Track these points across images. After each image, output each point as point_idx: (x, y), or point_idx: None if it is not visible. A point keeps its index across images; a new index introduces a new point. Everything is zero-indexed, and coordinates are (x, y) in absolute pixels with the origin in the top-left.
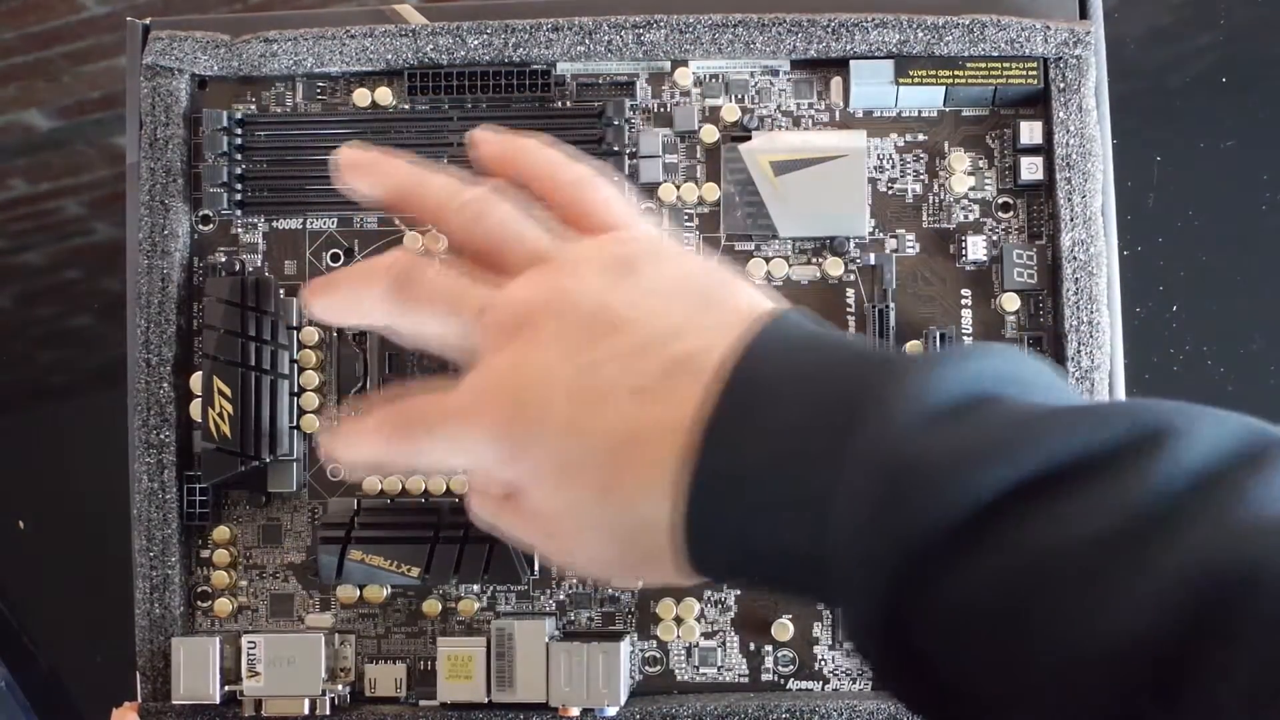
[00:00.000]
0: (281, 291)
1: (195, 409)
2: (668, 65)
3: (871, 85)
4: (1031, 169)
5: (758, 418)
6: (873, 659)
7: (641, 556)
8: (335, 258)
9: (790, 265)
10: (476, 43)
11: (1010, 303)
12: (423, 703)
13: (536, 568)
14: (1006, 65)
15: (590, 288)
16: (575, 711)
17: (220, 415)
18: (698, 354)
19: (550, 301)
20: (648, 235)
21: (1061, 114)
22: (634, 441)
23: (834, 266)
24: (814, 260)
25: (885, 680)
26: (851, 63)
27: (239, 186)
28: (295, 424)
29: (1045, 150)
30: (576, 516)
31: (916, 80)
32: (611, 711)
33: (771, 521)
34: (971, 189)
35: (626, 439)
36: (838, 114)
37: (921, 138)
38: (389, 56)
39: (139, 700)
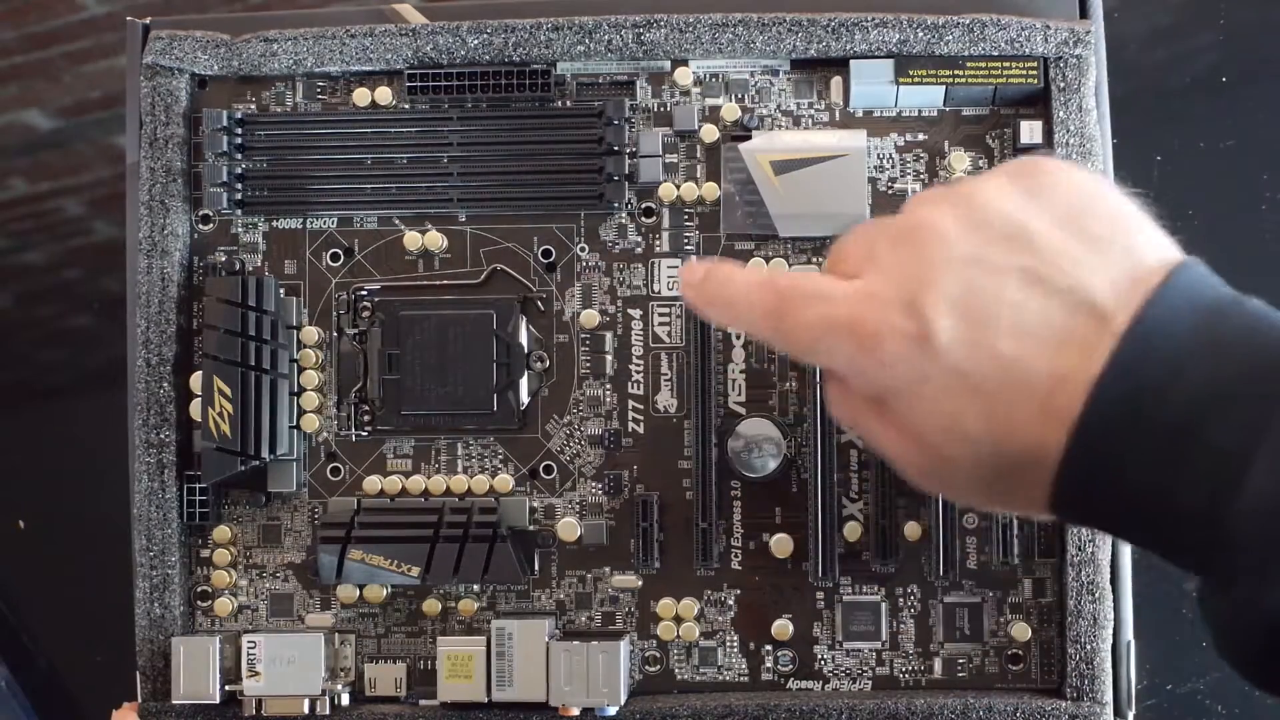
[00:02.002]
0: (281, 291)
1: (195, 409)
2: (668, 65)
3: (871, 85)
4: None
5: (1166, 372)
6: (1253, 639)
7: (1006, 483)
8: (335, 257)
9: (790, 265)
10: (476, 43)
11: None
12: (423, 702)
13: (536, 567)
14: (1006, 65)
15: (999, 197)
16: (575, 711)
17: (220, 415)
18: (1103, 297)
19: (955, 205)
20: (1052, 161)
21: (1061, 114)
22: (1028, 371)
23: None
24: (814, 260)
25: (1259, 665)
26: (851, 62)
27: (239, 186)
28: (295, 424)
29: (1045, 150)
30: (953, 433)
31: (916, 80)
32: (611, 711)
33: (1166, 476)
34: None
35: (1021, 367)
36: (838, 113)
37: (921, 137)
38: (389, 56)
39: (139, 700)
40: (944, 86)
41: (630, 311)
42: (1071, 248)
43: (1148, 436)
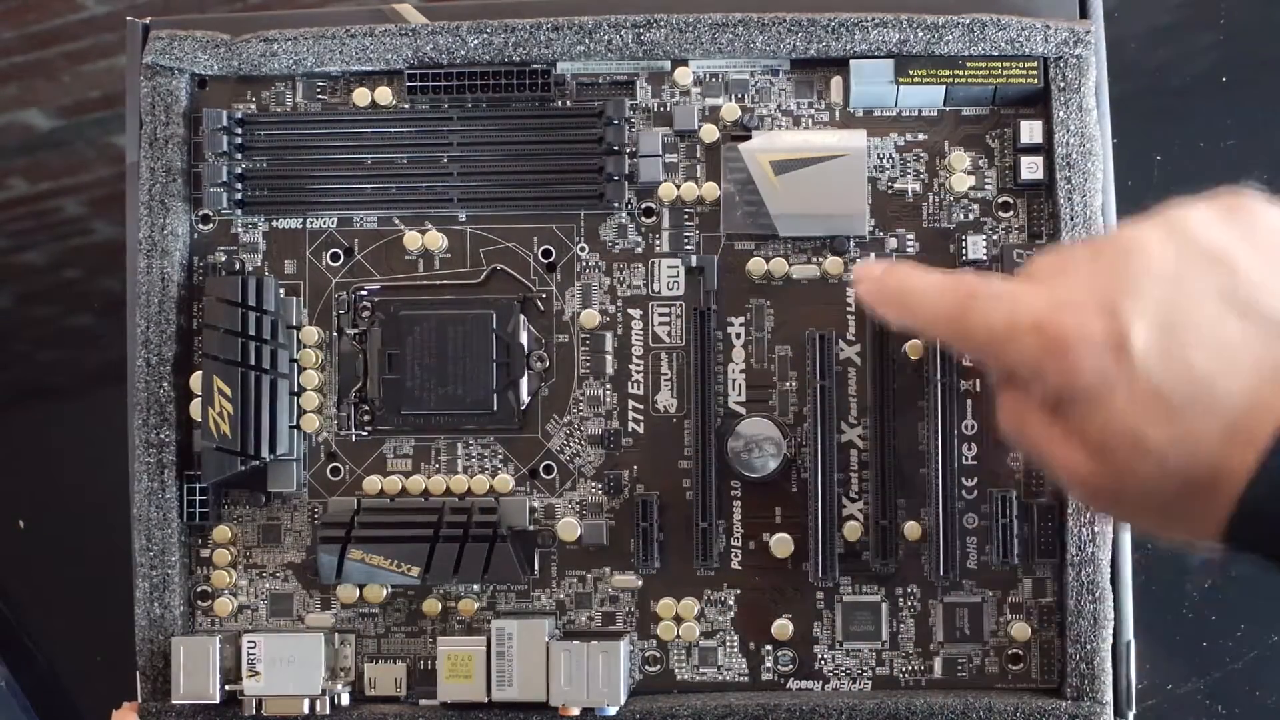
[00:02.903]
0: (281, 291)
1: (195, 408)
2: (668, 65)
3: (871, 85)
4: (1032, 168)
5: None
6: None
7: (1181, 504)
8: (335, 257)
9: (790, 264)
10: (476, 42)
11: None
12: (423, 702)
13: (536, 567)
14: (1006, 64)
15: (1203, 222)
16: (575, 711)
17: (220, 415)
18: None
19: (1157, 224)
20: (1258, 198)
21: (1061, 113)
22: (1220, 389)
23: (834, 266)
24: (814, 259)
25: None
26: (851, 62)
27: (239, 186)
28: (295, 424)
29: (1045, 150)
30: (1135, 445)
31: (916, 79)
32: (611, 711)
33: None
34: (971, 188)
35: (1214, 384)
36: (838, 113)
37: (921, 137)
38: (389, 56)
39: (139, 700)
40: (944, 86)
41: (630, 311)
42: (1274, 279)
43: None
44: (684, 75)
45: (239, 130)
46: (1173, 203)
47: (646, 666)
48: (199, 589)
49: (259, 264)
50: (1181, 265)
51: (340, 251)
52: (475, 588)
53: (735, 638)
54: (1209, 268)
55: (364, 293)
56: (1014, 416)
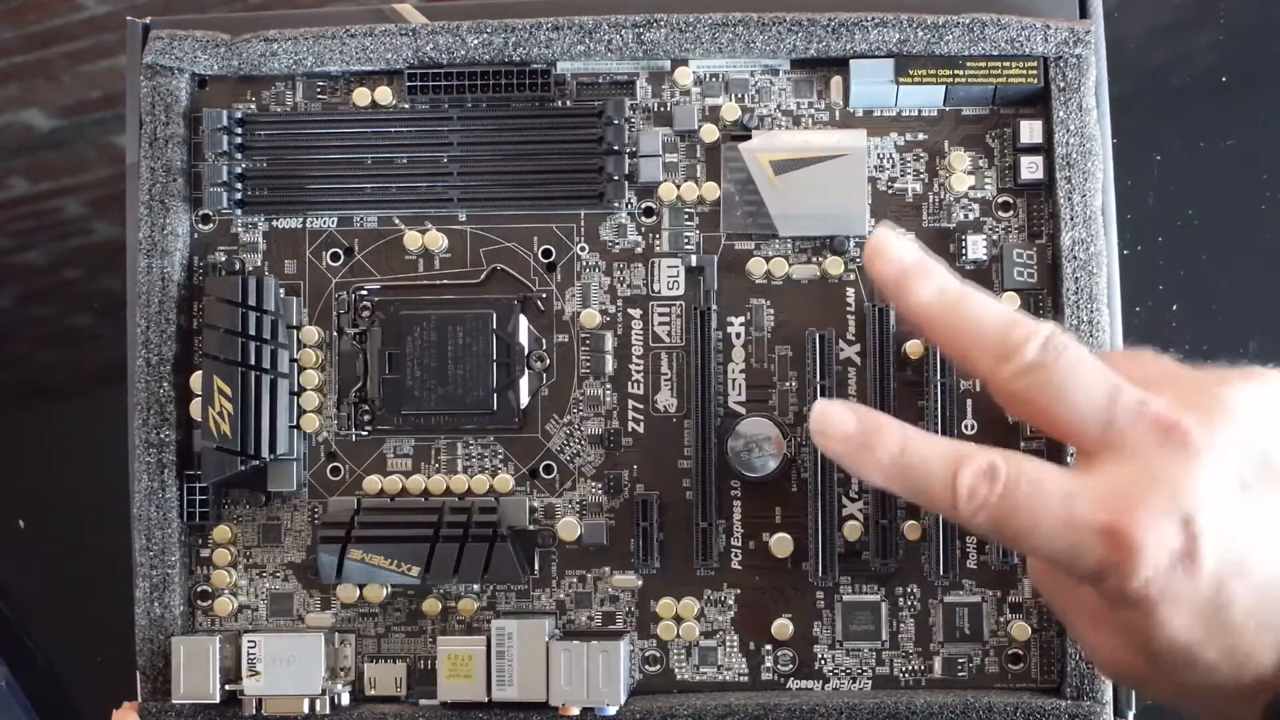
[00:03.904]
0: (281, 291)
1: (195, 408)
2: (668, 64)
3: (871, 84)
4: (1031, 168)
5: None
6: None
7: (1222, 704)
8: (335, 257)
9: (790, 265)
10: (476, 42)
11: (1010, 302)
12: (423, 702)
13: (536, 567)
14: (1006, 64)
15: (1264, 417)
16: (575, 711)
17: (220, 414)
18: None
19: (1223, 416)
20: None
21: (1061, 113)
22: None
23: (834, 266)
24: (814, 259)
25: None
26: (851, 62)
27: (239, 186)
28: (295, 423)
29: (1045, 149)
30: (1188, 658)
31: (916, 79)
32: (611, 711)
33: None
34: (971, 188)
35: (1269, 608)
36: (838, 113)
37: (921, 137)
38: (389, 56)
39: (139, 700)
40: (944, 86)
41: (630, 311)
42: None
43: None
44: (684, 75)
45: (239, 130)
46: (1223, 382)
47: (646, 666)
48: (199, 589)
49: (259, 264)
50: (1250, 473)
51: (340, 251)
52: (475, 588)
53: (735, 637)
54: (1257, 484)
55: (364, 293)
56: (1048, 582)
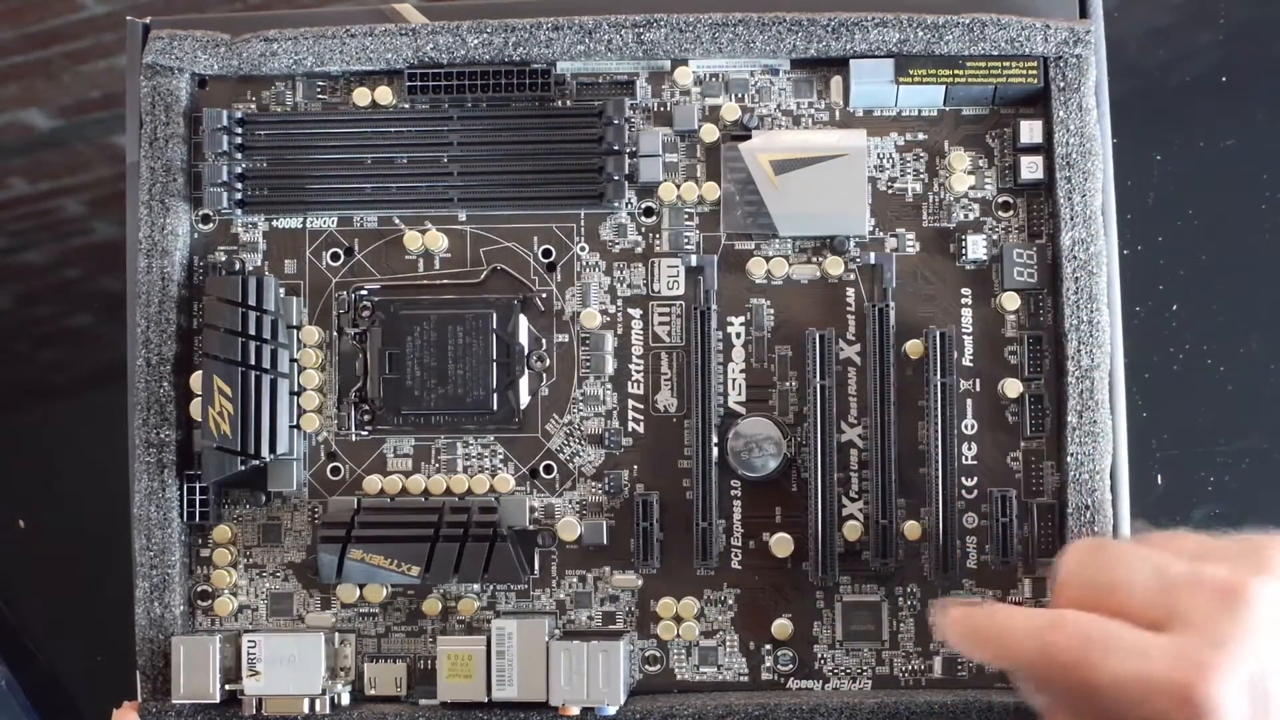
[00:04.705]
0: (281, 291)
1: (195, 408)
2: (668, 64)
3: (871, 84)
4: (1031, 168)
5: None
6: None
7: None
8: (335, 257)
9: (790, 264)
10: (476, 42)
11: (1010, 302)
12: (423, 702)
13: (536, 567)
14: (1006, 64)
15: None
16: (575, 711)
17: (220, 414)
18: None
19: (1272, 582)
20: None
21: (1061, 113)
22: None
23: (834, 266)
24: (814, 259)
25: None
26: (851, 62)
27: (239, 185)
28: (295, 423)
29: (1045, 149)
30: None
31: (916, 79)
32: (611, 710)
33: None
34: (971, 188)
35: None
36: (838, 113)
37: (921, 137)
38: (389, 56)
39: (139, 700)
40: (944, 86)
41: (630, 311)
42: None
43: None
44: (684, 75)
45: (239, 130)
46: (1268, 544)
47: (646, 666)
48: (199, 589)
49: (259, 264)
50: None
51: (340, 251)
52: (475, 587)
53: (735, 637)
54: None
55: (364, 292)
56: None
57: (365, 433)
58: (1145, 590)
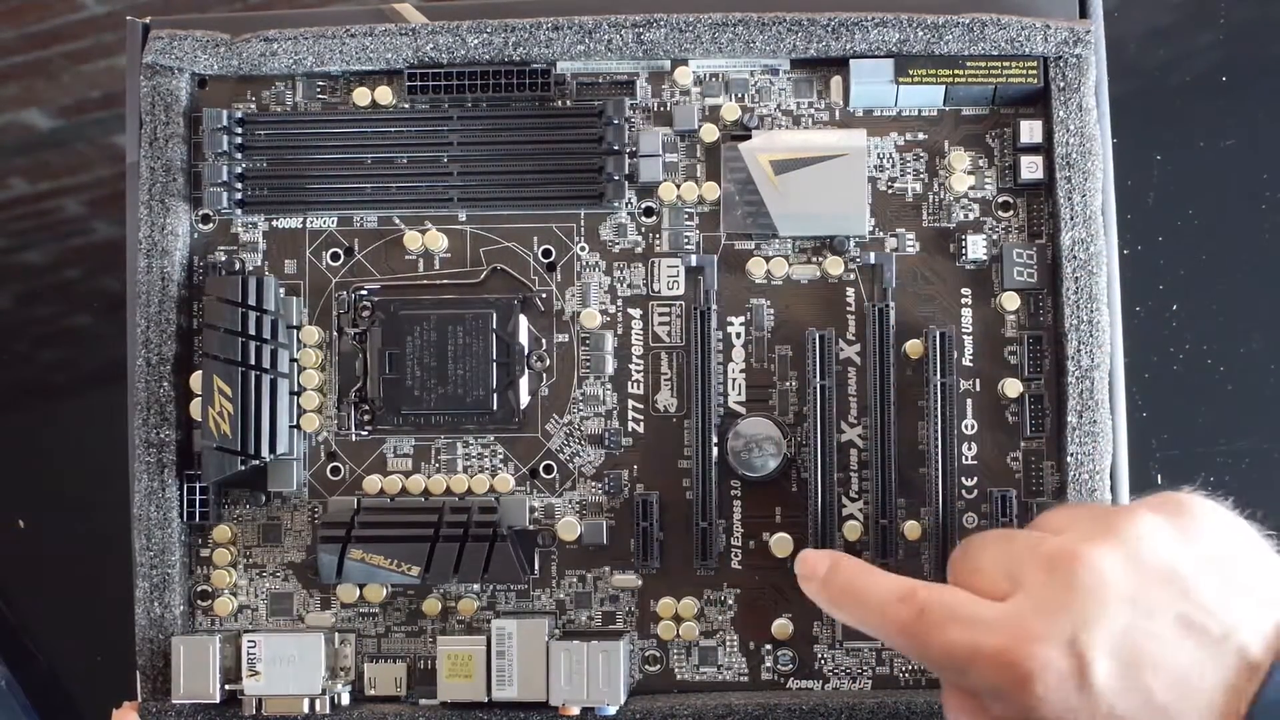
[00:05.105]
0: (281, 291)
1: (195, 408)
2: (668, 64)
3: (871, 84)
4: (1031, 168)
5: None
6: None
7: None
8: (335, 256)
9: (790, 264)
10: (476, 42)
11: (1010, 302)
12: (423, 702)
13: (536, 567)
14: (1006, 64)
15: (1152, 536)
16: (575, 711)
17: (220, 414)
18: (1254, 649)
19: (1109, 539)
20: (1200, 501)
21: (1061, 113)
22: (1179, 717)
23: (834, 266)
24: (814, 259)
25: None
26: (851, 62)
27: (239, 185)
28: (295, 423)
29: (1045, 149)
30: None
31: (916, 79)
32: (611, 710)
33: None
34: (971, 188)
35: (1174, 713)
36: (838, 113)
37: (921, 137)
38: (389, 56)
39: (139, 700)
40: (944, 86)
41: (630, 311)
42: (1223, 596)
43: None
44: (684, 75)
45: (239, 130)
46: (1119, 511)
47: (646, 666)
48: (199, 588)
49: (259, 264)
50: (1136, 589)
51: (340, 251)
52: (475, 587)
53: (735, 637)
54: (1162, 591)
55: (364, 292)
56: (964, 717)
57: (365, 433)
58: (993, 566)
